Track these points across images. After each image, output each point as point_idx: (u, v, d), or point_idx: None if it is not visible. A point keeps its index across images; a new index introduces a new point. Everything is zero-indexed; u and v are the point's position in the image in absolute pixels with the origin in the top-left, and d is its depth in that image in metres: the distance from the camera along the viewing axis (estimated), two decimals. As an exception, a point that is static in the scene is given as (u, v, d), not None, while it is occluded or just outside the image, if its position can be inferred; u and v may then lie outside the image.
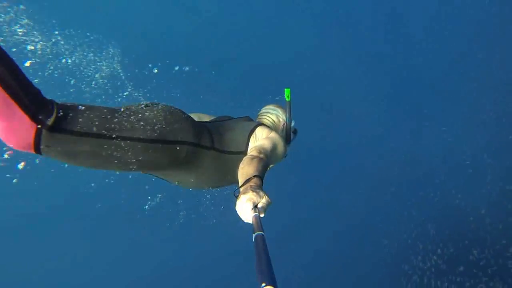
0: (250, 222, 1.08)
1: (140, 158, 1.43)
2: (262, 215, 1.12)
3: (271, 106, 2.26)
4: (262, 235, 0.95)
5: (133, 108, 1.53)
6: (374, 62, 11.71)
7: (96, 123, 1.31)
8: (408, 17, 11.32)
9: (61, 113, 1.25)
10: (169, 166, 1.57)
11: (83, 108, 1.32)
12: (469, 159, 9.75)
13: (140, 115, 1.46)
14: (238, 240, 8.37)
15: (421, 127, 11.38)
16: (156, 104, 1.62)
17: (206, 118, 2.15)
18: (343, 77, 11.37)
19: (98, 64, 1.78)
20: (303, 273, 9.17)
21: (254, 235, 0.96)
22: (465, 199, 9.22)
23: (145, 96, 1.93)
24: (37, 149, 1.25)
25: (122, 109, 1.45)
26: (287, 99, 2.07)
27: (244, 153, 1.76)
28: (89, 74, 1.78)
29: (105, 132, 1.32)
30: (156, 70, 2.52)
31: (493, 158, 9.56)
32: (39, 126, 1.20)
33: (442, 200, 9.48)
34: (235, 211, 1.17)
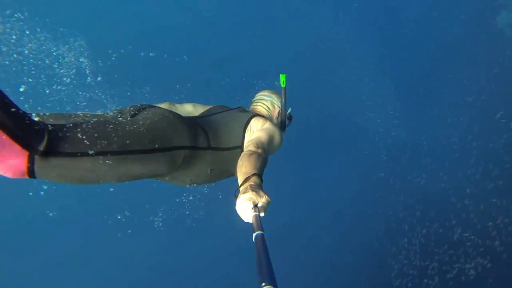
0: (250, 221, 1.08)
1: (138, 169, 1.41)
2: (262, 215, 1.12)
3: (265, 92, 2.22)
4: (262, 234, 0.95)
5: (123, 117, 1.47)
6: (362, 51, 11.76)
7: (88, 141, 1.27)
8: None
9: (52, 136, 1.20)
10: (168, 171, 1.55)
11: (73, 126, 1.28)
12: (456, 143, 9.95)
13: (132, 126, 1.41)
14: (237, 240, 8.45)
15: (409, 112, 11.54)
16: (146, 108, 1.58)
17: (200, 108, 2.10)
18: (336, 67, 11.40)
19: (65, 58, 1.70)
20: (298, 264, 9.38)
21: (254, 234, 0.96)
22: (449, 182, 9.45)
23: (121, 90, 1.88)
24: (32, 175, 1.22)
25: (112, 120, 1.40)
26: (282, 86, 2.04)
27: (241, 147, 1.75)
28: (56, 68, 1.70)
29: (99, 150, 1.29)
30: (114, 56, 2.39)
31: (477, 140, 9.78)
32: (31, 153, 1.16)
33: (428, 184, 9.70)
34: (235, 210, 1.17)
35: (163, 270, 10.02)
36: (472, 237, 7.85)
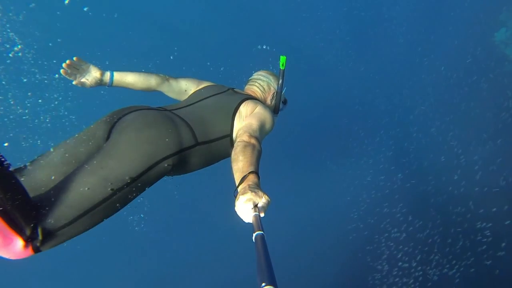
0: (250, 222, 1.07)
1: (133, 195, 1.39)
2: (262, 215, 1.11)
3: (263, 73, 2.19)
4: (262, 234, 0.94)
5: (99, 146, 1.43)
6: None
7: (77, 205, 1.22)
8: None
9: (45, 230, 1.15)
10: (159, 179, 1.51)
11: (60, 200, 1.22)
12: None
13: (109, 160, 1.33)
14: (237, 239, 8.42)
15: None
16: (121, 118, 1.51)
17: (194, 85, 2.05)
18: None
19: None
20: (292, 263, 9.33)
21: (254, 235, 0.95)
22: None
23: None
24: (39, 251, 1.19)
25: (87, 165, 1.32)
26: (281, 68, 2.01)
27: (230, 135, 1.70)
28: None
29: (90, 206, 1.24)
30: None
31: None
32: (33, 244, 1.14)
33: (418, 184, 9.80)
34: (235, 211, 1.16)
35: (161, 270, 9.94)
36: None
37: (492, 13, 10.58)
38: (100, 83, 1.93)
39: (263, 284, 0.73)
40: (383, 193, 10.14)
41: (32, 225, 1.12)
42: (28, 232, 1.10)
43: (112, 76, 1.93)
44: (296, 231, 10.28)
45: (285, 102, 2.19)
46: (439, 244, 7.99)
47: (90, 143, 1.50)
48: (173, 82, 2.03)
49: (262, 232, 0.95)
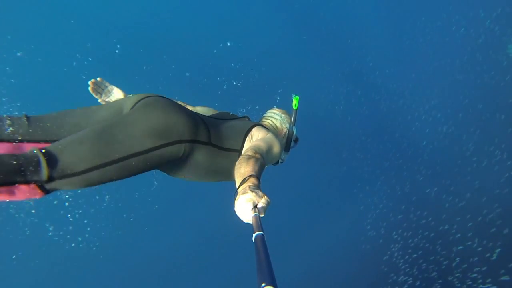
0: (250, 222, 1.06)
1: (142, 166, 1.47)
2: (262, 215, 1.10)
3: (276, 111, 2.26)
4: (262, 235, 0.93)
5: (125, 111, 1.51)
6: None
7: (90, 157, 1.34)
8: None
9: (51, 164, 1.28)
10: (168, 164, 1.58)
11: (71, 145, 1.34)
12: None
13: (132, 125, 1.45)
14: (237, 239, 8.40)
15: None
16: (146, 98, 1.59)
17: (210, 112, 2.14)
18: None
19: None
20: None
21: (254, 235, 0.94)
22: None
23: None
24: (48, 193, 1.34)
25: (109, 124, 1.44)
26: (294, 108, 2.10)
27: (239, 152, 1.76)
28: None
29: (103, 162, 1.35)
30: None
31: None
32: (39, 185, 1.28)
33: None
34: (234, 211, 1.15)
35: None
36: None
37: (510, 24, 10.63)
38: None
39: (263, 284, 0.72)
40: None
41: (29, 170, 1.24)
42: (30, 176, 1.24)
43: None
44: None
45: (296, 141, 2.26)
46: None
47: (113, 110, 1.65)
48: (190, 108, 2.11)
49: (262, 232, 0.95)
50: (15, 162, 1.22)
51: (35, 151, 1.27)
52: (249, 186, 1.18)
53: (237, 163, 1.46)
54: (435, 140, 11.74)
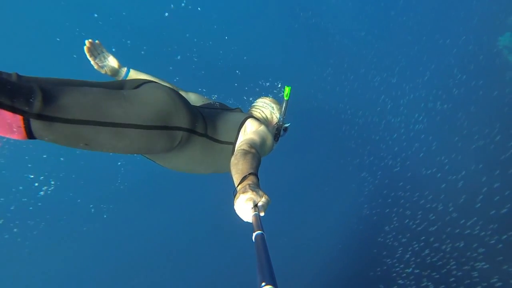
0: (250, 221, 1.06)
1: (138, 143, 1.43)
2: (262, 214, 1.10)
3: (267, 100, 2.23)
4: (262, 234, 0.93)
5: (127, 88, 1.49)
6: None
7: (88, 109, 1.26)
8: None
9: (47, 99, 1.18)
10: (161, 150, 1.56)
11: (71, 91, 1.27)
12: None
13: (135, 100, 1.43)
14: (237, 240, 8.41)
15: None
16: (150, 82, 1.60)
17: (203, 99, 2.13)
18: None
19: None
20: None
21: (254, 234, 0.94)
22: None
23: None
24: (31, 137, 1.22)
25: (115, 91, 1.41)
26: (285, 98, 2.07)
27: (233, 144, 1.76)
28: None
29: (101, 120, 1.29)
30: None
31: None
32: (25, 119, 1.15)
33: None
34: (234, 210, 1.15)
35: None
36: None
37: (499, 16, 10.55)
38: (115, 74, 2.02)
39: (263, 284, 0.72)
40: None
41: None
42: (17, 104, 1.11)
43: (128, 71, 2.03)
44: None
45: (285, 130, 2.25)
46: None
47: (115, 84, 1.61)
48: (182, 93, 2.09)
49: (262, 231, 0.95)
50: (7, 80, 1.12)
51: (31, 83, 1.18)
52: (249, 185, 1.18)
53: (233, 158, 1.44)
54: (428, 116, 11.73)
